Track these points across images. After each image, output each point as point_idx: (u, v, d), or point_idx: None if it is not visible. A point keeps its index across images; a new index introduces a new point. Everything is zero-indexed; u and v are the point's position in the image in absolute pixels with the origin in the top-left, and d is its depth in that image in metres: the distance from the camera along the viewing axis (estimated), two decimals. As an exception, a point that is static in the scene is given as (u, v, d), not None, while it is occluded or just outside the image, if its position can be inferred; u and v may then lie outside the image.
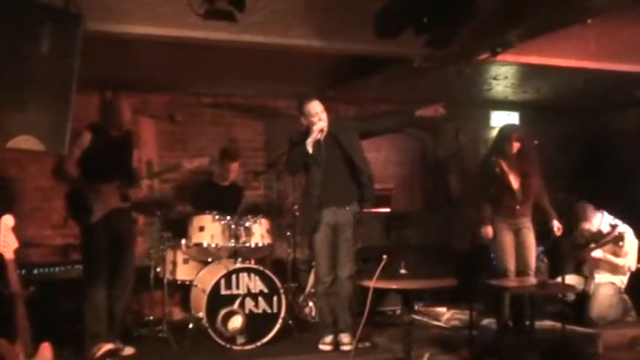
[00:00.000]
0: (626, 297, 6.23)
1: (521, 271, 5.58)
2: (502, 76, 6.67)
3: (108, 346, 4.86)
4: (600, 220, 6.30)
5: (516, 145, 5.65)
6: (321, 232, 5.23)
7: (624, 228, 6.17)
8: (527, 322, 5.32)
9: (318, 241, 5.25)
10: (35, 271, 5.55)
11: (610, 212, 6.35)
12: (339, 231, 5.22)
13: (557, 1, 4.26)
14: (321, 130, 5.12)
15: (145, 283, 6.00)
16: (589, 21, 4.38)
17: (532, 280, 5.27)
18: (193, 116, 7.27)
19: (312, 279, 6.42)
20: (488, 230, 5.65)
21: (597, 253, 6.19)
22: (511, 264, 5.59)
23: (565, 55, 5.72)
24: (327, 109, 5.22)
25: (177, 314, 6.20)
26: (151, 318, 5.95)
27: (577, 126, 8.39)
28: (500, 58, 5.26)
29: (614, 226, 6.22)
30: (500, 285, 5.25)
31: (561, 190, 5.95)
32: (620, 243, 6.08)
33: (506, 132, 5.82)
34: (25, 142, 3.73)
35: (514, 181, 5.64)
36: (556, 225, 5.73)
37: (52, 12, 3.86)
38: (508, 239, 5.64)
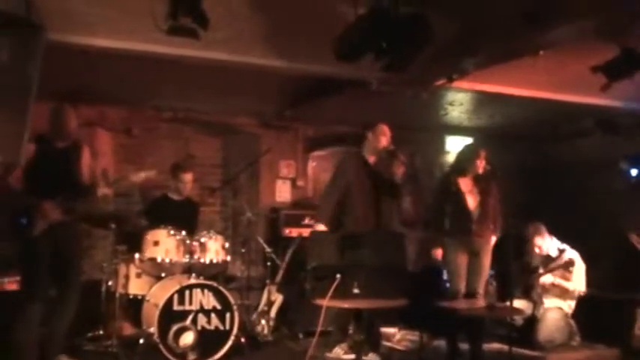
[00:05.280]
0: (572, 322, 6.33)
1: (470, 293, 5.52)
2: (458, 102, 6.83)
3: None
4: (549, 244, 6.41)
5: (482, 165, 5.56)
6: None
7: (572, 253, 6.29)
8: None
9: None
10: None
11: (557, 239, 6.49)
12: None
13: (510, 32, 4.41)
14: (391, 153, 5.61)
15: (96, 296, 5.93)
16: (541, 53, 4.56)
17: (481, 302, 5.30)
18: (151, 130, 7.25)
19: (264, 297, 6.43)
20: (438, 252, 5.65)
21: (547, 278, 6.28)
22: (461, 286, 5.55)
23: (518, 85, 5.90)
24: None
25: (128, 329, 6.09)
26: (101, 332, 5.86)
27: (528, 154, 8.62)
28: (456, 84, 5.40)
29: (562, 251, 6.35)
30: (450, 307, 5.30)
31: (510, 216, 6.05)
32: (571, 268, 6.17)
33: (472, 150, 5.72)
34: (-19, 151, 3.69)
35: (470, 201, 5.57)
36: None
37: (13, 21, 3.83)
38: (460, 261, 5.53)
